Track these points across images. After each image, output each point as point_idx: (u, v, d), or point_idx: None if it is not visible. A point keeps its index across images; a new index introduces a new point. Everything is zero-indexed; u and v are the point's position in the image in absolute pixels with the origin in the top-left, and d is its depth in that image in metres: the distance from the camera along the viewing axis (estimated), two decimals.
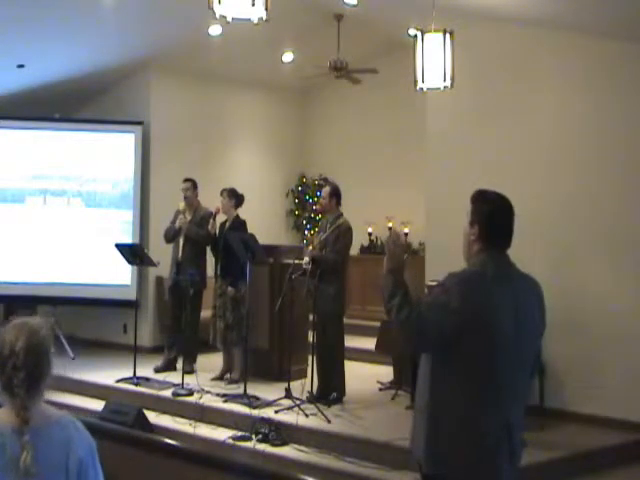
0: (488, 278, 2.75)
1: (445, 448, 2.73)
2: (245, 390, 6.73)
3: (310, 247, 6.72)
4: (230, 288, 7.36)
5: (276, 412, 6.26)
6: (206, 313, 7.87)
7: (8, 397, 2.12)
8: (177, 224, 7.74)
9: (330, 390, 6.65)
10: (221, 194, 7.61)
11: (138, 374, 7.46)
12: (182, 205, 7.85)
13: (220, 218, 7.69)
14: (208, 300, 7.81)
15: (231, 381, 7.35)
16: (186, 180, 7.95)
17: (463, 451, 2.71)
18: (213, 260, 7.69)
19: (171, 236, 7.89)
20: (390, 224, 10.37)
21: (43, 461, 2.07)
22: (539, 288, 2.91)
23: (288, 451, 5.79)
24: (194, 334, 7.82)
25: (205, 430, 6.31)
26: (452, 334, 2.67)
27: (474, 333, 2.66)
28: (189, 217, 7.86)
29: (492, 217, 2.84)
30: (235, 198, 7.60)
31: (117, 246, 7.75)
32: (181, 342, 7.83)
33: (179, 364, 7.70)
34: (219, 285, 7.50)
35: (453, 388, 2.72)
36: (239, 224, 7.53)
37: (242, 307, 7.23)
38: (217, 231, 7.60)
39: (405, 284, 2.83)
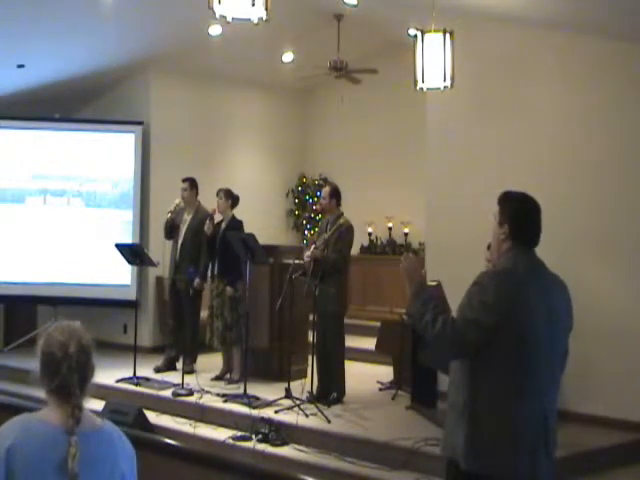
0: (520, 275, 2.84)
1: (485, 445, 2.78)
2: (245, 390, 6.73)
3: (312, 247, 6.71)
4: (229, 288, 7.36)
5: (276, 412, 6.26)
6: (203, 313, 7.88)
7: (60, 398, 2.15)
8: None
9: (330, 390, 6.65)
10: (217, 194, 7.61)
11: (138, 374, 7.47)
12: (177, 201, 7.86)
13: (216, 218, 7.68)
14: (207, 300, 7.80)
15: (231, 381, 7.35)
16: (184, 180, 7.95)
17: (503, 446, 2.77)
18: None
19: (168, 230, 7.87)
20: (390, 224, 10.39)
21: (89, 464, 2.11)
22: (565, 286, 3.01)
23: (288, 451, 5.79)
24: (194, 334, 7.83)
25: (205, 430, 6.32)
26: (490, 330, 2.74)
27: (509, 329, 2.74)
28: (189, 218, 7.86)
29: (520, 216, 2.95)
30: (231, 198, 7.61)
31: (117, 246, 7.75)
32: (182, 341, 7.84)
33: (179, 364, 7.71)
34: (216, 285, 7.50)
35: (491, 385, 2.78)
36: (236, 224, 7.53)
37: (241, 307, 7.23)
38: (212, 231, 7.56)
39: (433, 298, 2.89)
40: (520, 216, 2.95)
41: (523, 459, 2.78)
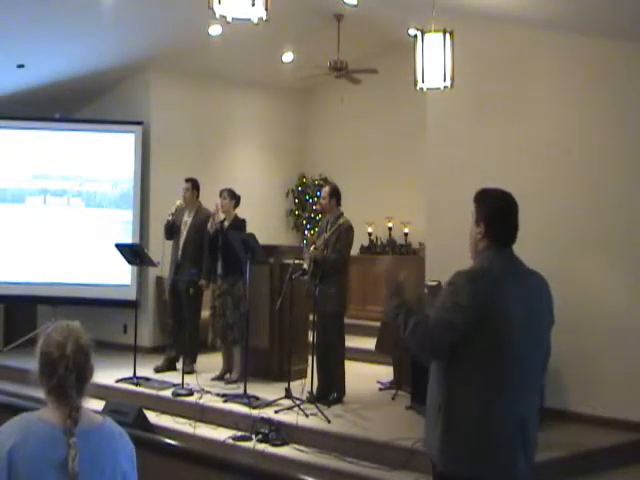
0: (496, 274, 2.79)
1: (461, 446, 2.75)
2: (245, 390, 6.73)
3: (312, 248, 6.71)
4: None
5: (276, 412, 6.26)
6: (204, 313, 7.88)
7: (58, 398, 2.15)
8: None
9: (330, 390, 6.65)
10: (221, 194, 7.61)
11: (138, 374, 7.47)
12: (179, 203, 7.86)
13: (217, 218, 7.66)
14: (208, 300, 7.80)
15: (231, 381, 7.35)
16: (187, 180, 7.97)
17: (478, 448, 2.73)
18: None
19: (169, 231, 7.89)
20: (390, 224, 10.39)
21: (89, 463, 2.11)
22: (546, 283, 2.95)
23: (288, 451, 5.79)
24: (194, 334, 7.83)
25: (205, 430, 6.31)
26: (463, 332, 2.69)
27: (485, 329, 2.69)
28: (190, 218, 7.87)
29: (496, 215, 2.89)
30: (234, 198, 7.62)
31: (117, 246, 7.74)
32: (181, 342, 7.84)
33: (179, 364, 7.71)
34: (218, 285, 7.49)
35: (467, 386, 2.74)
36: (239, 223, 7.53)
37: (242, 305, 7.23)
38: (213, 231, 7.54)
39: (407, 300, 2.87)
40: (497, 215, 2.89)
41: (499, 462, 2.73)
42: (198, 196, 7.98)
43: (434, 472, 2.91)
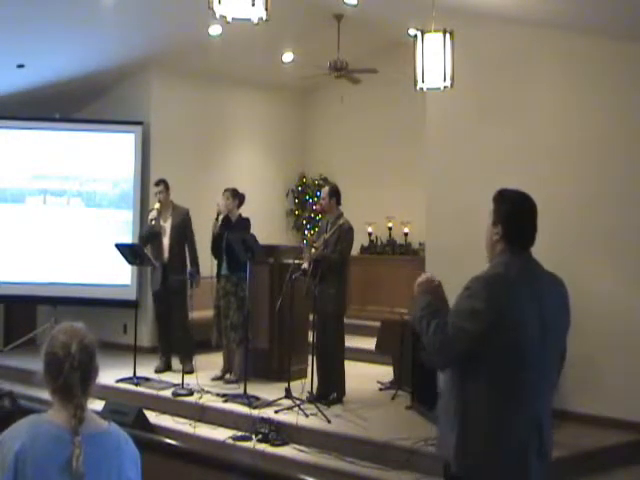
0: (511, 279, 2.78)
1: (476, 449, 2.75)
2: (245, 390, 6.73)
3: (312, 250, 6.70)
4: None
5: (276, 412, 6.26)
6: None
7: (63, 397, 2.16)
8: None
9: (330, 390, 6.65)
10: (223, 194, 7.60)
11: (138, 374, 7.47)
12: (157, 205, 7.85)
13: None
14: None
15: (231, 381, 7.35)
16: (159, 182, 7.97)
17: (494, 451, 2.73)
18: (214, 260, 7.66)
19: (150, 237, 7.90)
20: (390, 224, 10.39)
21: (94, 466, 2.12)
22: (563, 286, 2.94)
23: (288, 451, 5.79)
24: (187, 334, 7.85)
25: (205, 430, 6.32)
26: (480, 338, 2.69)
27: (500, 334, 2.69)
28: (170, 218, 7.88)
29: (514, 217, 2.86)
30: (237, 197, 7.62)
31: (117, 246, 7.74)
32: (170, 343, 7.92)
33: (175, 364, 7.71)
34: (222, 285, 7.47)
35: (482, 389, 2.74)
36: (244, 222, 7.53)
37: (246, 307, 7.22)
38: (218, 230, 7.55)
39: (436, 305, 2.87)
40: (515, 217, 2.87)
41: (514, 463, 2.74)
42: (169, 195, 8.00)
43: (446, 474, 2.90)
